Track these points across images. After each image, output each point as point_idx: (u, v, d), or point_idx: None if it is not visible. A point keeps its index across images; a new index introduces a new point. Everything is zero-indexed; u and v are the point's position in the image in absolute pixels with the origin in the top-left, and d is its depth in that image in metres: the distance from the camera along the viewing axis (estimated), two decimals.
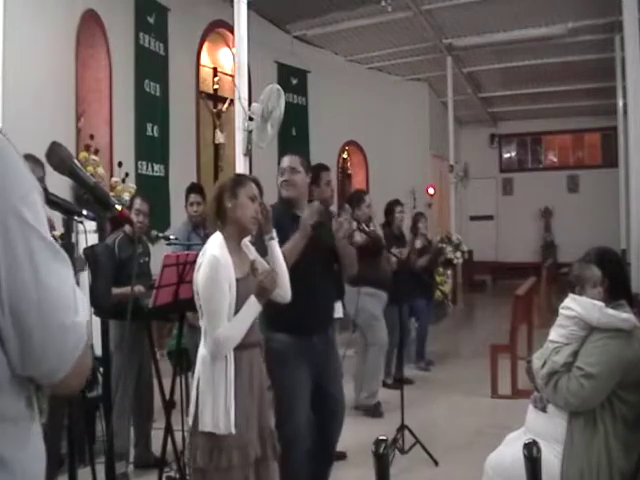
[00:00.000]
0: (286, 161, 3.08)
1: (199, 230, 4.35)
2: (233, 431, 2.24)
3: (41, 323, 0.91)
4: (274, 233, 2.55)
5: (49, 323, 0.92)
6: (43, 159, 2.03)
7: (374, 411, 4.96)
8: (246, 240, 2.51)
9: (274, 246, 2.54)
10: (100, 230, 2.57)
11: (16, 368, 0.93)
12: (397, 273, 5.14)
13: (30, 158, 2.85)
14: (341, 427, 3.19)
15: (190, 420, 2.30)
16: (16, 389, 0.96)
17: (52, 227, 3.08)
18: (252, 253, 2.51)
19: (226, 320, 2.26)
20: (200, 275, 2.29)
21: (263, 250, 2.57)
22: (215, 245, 2.33)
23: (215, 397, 2.25)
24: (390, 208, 5.89)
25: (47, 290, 0.92)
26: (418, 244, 5.92)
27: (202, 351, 2.35)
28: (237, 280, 2.30)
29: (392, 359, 5.78)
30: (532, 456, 1.86)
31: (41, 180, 2.85)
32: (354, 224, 4.03)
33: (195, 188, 4.59)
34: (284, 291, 2.53)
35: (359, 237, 4.82)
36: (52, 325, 0.92)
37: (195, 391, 2.31)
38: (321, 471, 3.17)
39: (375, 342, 5.09)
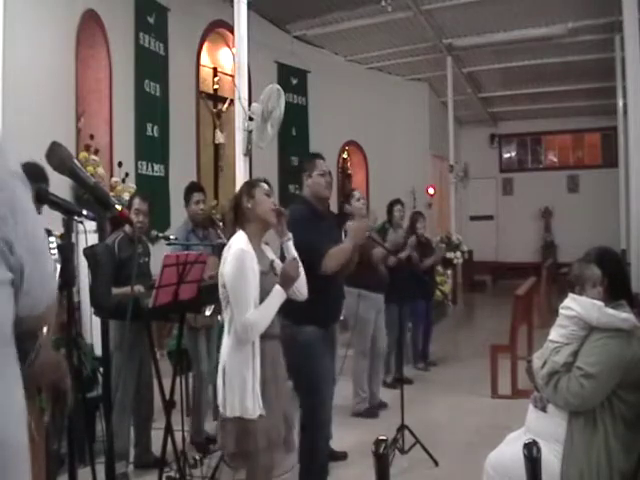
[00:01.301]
0: (325, 165, 3.39)
1: (198, 230, 4.35)
2: (262, 413, 2.40)
3: (36, 259, 1.15)
4: (290, 235, 2.75)
5: (39, 257, 1.17)
6: (43, 159, 2.02)
7: (368, 414, 4.95)
8: (264, 245, 2.72)
9: (290, 247, 2.74)
10: (100, 230, 2.57)
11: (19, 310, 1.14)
12: (397, 272, 5.13)
13: (34, 166, 2.78)
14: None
15: (221, 409, 2.46)
16: None
17: (49, 233, 3.07)
18: (270, 254, 2.73)
19: (253, 306, 2.45)
20: (227, 266, 2.47)
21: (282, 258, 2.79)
22: (240, 240, 2.54)
23: (242, 383, 2.42)
24: (389, 207, 5.99)
25: (38, 235, 1.18)
26: (412, 242, 5.93)
27: (227, 341, 2.51)
28: (260, 272, 2.51)
29: (392, 358, 5.78)
30: (532, 456, 1.86)
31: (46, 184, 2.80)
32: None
33: (197, 187, 4.59)
34: (300, 287, 2.71)
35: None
36: (42, 257, 1.18)
37: (221, 380, 2.46)
38: None
39: (358, 347, 4.99)
